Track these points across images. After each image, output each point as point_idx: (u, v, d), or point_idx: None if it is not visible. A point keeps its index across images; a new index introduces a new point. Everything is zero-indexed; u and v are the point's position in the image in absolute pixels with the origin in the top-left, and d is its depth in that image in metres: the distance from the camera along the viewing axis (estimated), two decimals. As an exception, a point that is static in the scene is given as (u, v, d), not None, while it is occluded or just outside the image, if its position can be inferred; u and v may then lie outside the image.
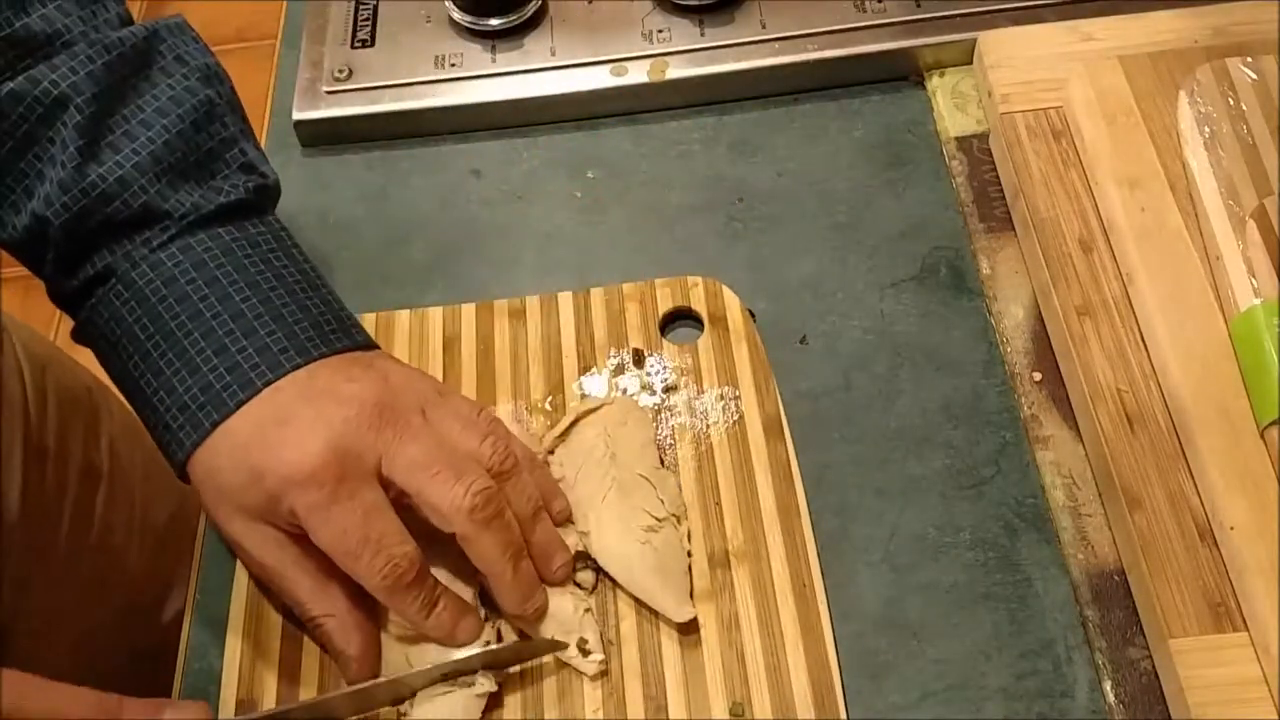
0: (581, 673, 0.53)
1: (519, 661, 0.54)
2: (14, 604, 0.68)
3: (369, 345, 0.58)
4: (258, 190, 0.58)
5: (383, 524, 0.51)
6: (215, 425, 0.53)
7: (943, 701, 0.53)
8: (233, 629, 0.56)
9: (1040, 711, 0.53)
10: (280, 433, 0.52)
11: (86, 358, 0.62)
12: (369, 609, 0.54)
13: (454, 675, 0.53)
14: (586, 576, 0.56)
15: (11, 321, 0.73)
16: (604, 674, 0.53)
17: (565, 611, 0.54)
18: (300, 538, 0.53)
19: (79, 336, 0.59)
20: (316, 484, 0.50)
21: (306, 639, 0.56)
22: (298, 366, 0.54)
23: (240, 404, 0.53)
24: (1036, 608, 0.55)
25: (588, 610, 0.55)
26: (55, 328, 1.65)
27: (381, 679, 0.53)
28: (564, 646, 0.53)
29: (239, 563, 0.58)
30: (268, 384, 0.53)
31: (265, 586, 0.57)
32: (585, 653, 0.53)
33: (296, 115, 0.73)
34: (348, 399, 0.52)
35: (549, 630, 0.54)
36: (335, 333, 0.56)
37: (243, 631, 0.56)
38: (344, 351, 0.55)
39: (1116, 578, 0.55)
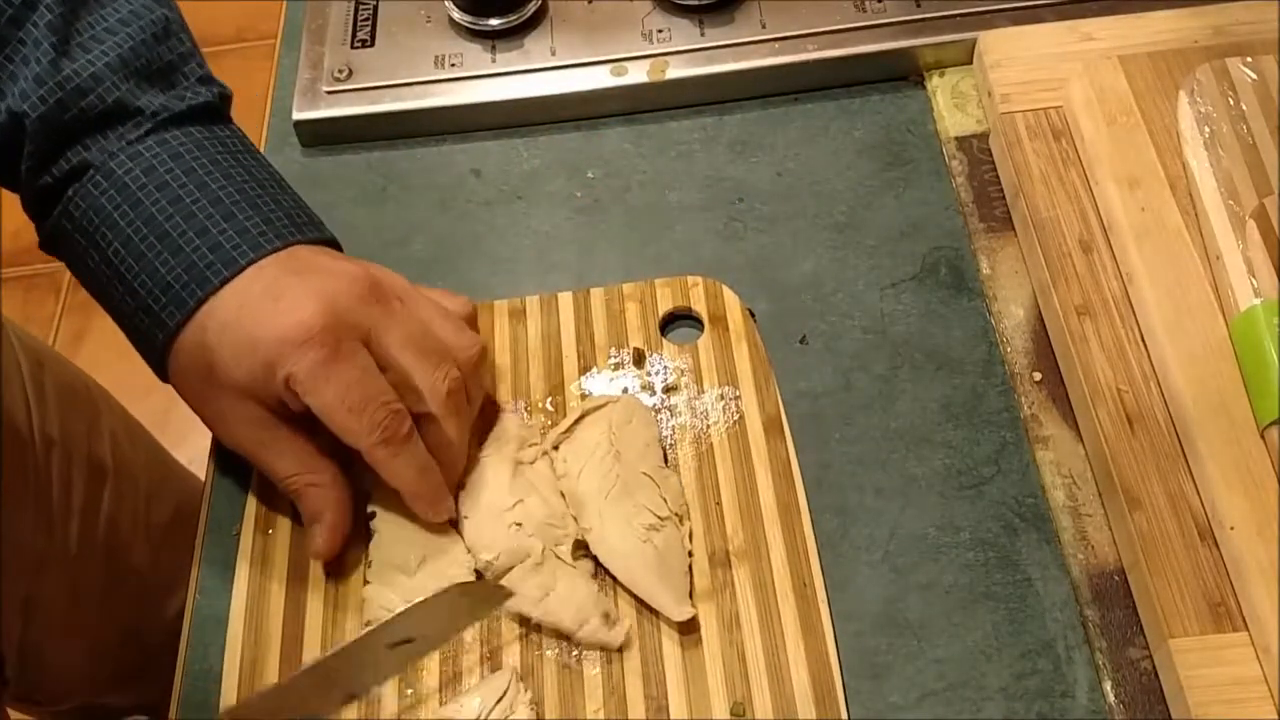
0: (607, 646, 0.54)
1: (493, 604, 0.55)
2: (30, 602, 0.68)
3: (337, 244, 0.60)
4: (220, 98, 0.61)
5: (379, 383, 0.54)
6: (200, 303, 0.55)
7: (943, 701, 0.53)
8: (233, 629, 0.56)
9: (1040, 711, 0.53)
10: (274, 305, 0.53)
11: (81, 359, 0.62)
12: (349, 483, 0.57)
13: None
14: (586, 565, 0.56)
15: (5, 319, 0.74)
16: (625, 648, 0.54)
17: (582, 592, 0.54)
18: (284, 415, 0.55)
19: (49, 244, 0.60)
20: (316, 345, 0.52)
21: (306, 639, 0.56)
22: (276, 249, 0.56)
23: (225, 281, 0.55)
24: (1036, 608, 0.55)
25: (601, 587, 0.55)
26: (55, 327, 1.67)
27: (341, 644, 0.54)
28: (510, 594, 0.54)
29: (239, 563, 0.58)
30: (250, 263, 0.55)
31: (263, 588, 0.57)
32: (611, 623, 0.54)
33: (296, 115, 0.73)
34: (337, 273, 0.55)
35: (567, 613, 0.54)
36: (307, 225, 0.59)
37: (243, 632, 0.56)
38: (317, 243, 0.58)
39: (1116, 578, 0.55)
